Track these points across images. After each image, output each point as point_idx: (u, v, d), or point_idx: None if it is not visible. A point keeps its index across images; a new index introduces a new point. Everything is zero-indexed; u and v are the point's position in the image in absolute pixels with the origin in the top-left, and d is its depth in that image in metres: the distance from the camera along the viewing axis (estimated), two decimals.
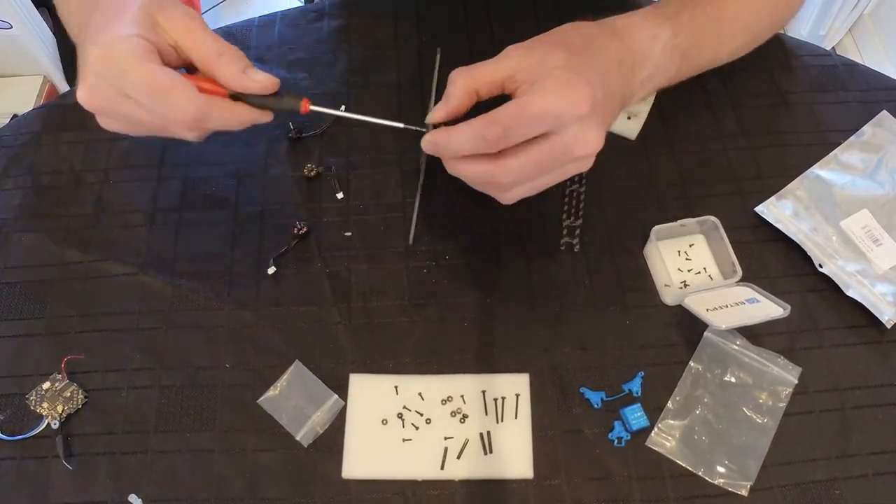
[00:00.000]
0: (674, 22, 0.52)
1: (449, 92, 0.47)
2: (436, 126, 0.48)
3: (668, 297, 0.58)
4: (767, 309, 0.52)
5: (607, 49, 0.48)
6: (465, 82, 0.46)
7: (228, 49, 0.46)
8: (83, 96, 0.45)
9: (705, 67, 0.59)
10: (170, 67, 0.44)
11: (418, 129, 0.49)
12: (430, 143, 0.47)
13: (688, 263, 0.60)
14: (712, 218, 0.58)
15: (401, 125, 0.50)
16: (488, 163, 0.45)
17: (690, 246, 0.60)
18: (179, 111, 0.44)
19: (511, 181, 0.46)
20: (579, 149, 0.45)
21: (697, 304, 0.54)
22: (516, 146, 0.44)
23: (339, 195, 0.64)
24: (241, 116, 0.47)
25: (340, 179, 0.65)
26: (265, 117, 0.49)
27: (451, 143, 0.45)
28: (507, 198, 0.48)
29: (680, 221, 0.59)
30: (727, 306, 0.53)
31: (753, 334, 0.56)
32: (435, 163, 0.65)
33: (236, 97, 0.47)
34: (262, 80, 0.46)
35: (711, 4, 0.55)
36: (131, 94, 0.44)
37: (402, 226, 0.62)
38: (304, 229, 0.61)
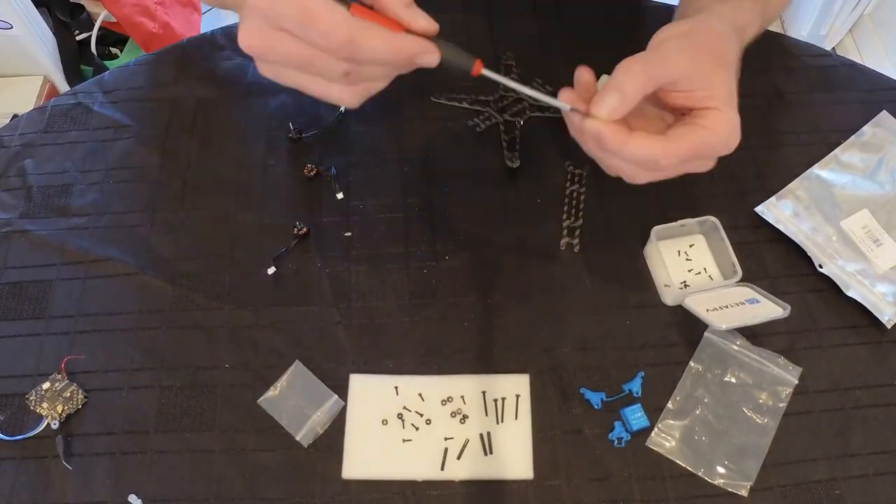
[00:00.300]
0: (742, 34, 0.51)
1: (621, 84, 0.43)
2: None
3: (668, 298, 0.58)
4: (767, 309, 0.52)
5: (730, 55, 0.48)
6: (646, 79, 0.43)
7: None
8: (242, 39, 0.41)
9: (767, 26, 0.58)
10: None
11: (575, 109, 0.45)
12: (597, 134, 0.44)
13: (688, 264, 0.60)
14: (712, 218, 0.58)
15: (567, 106, 0.45)
16: (648, 174, 0.46)
17: (691, 246, 0.60)
18: (330, 36, 0.39)
19: (650, 179, 0.47)
20: (717, 157, 0.47)
21: (697, 305, 0.54)
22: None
23: (340, 195, 0.64)
24: (398, 44, 0.41)
25: (340, 179, 0.65)
26: (429, 55, 0.42)
27: (625, 152, 0.44)
28: (635, 182, 0.48)
29: (680, 222, 0.59)
30: (727, 307, 0.53)
31: (753, 334, 0.56)
32: (439, 162, 0.65)
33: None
34: (423, 23, 0.41)
35: None
36: (283, 24, 0.40)
37: (402, 226, 0.62)
38: (304, 230, 0.61)
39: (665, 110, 0.47)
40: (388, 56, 0.41)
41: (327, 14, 0.39)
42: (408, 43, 0.41)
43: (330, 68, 0.41)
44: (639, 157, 0.44)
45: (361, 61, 0.41)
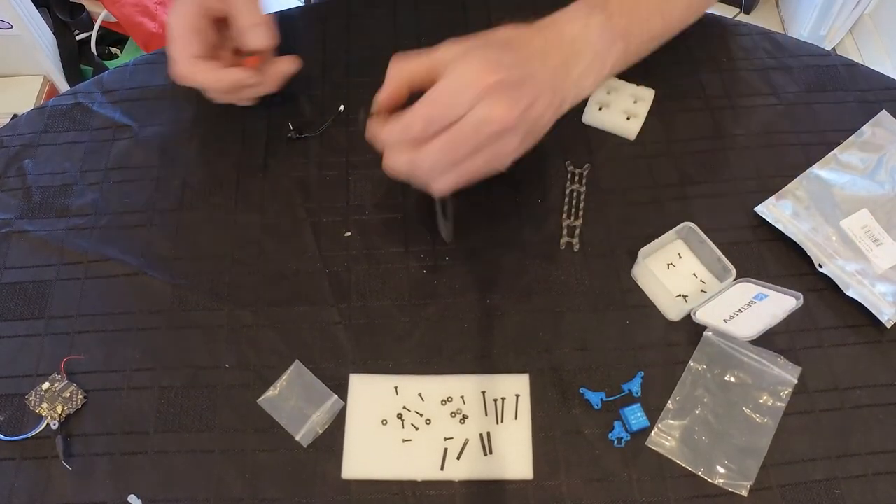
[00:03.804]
0: (603, 7, 0.53)
1: (385, 80, 0.50)
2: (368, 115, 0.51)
3: (673, 313, 0.57)
4: (782, 303, 0.51)
5: (529, 43, 0.49)
6: (397, 71, 0.50)
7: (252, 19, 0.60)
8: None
9: (661, 39, 0.60)
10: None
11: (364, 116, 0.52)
12: (369, 135, 0.50)
13: (680, 274, 0.59)
14: (688, 224, 0.58)
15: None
16: (409, 151, 0.47)
17: (680, 257, 0.60)
18: (176, 73, 0.60)
19: (430, 166, 0.48)
20: (487, 124, 0.45)
21: (711, 318, 0.54)
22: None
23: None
24: (221, 77, 0.60)
25: (340, 179, 0.65)
26: (253, 83, 0.61)
27: (383, 136, 0.49)
28: (437, 188, 0.50)
29: (660, 238, 0.58)
30: (740, 311, 0.53)
31: None
32: None
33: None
34: (258, 42, 0.60)
35: None
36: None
37: (402, 226, 0.62)
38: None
39: None
40: (216, 86, 0.61)
41: (175, 54, 0.59)
42: (230, 75, 0.60)
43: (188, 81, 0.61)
44: (391, 132, 0.48)
45: (204, 88, 0.62)
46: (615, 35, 0.53)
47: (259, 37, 0.59)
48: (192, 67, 0.59)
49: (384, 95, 0.50)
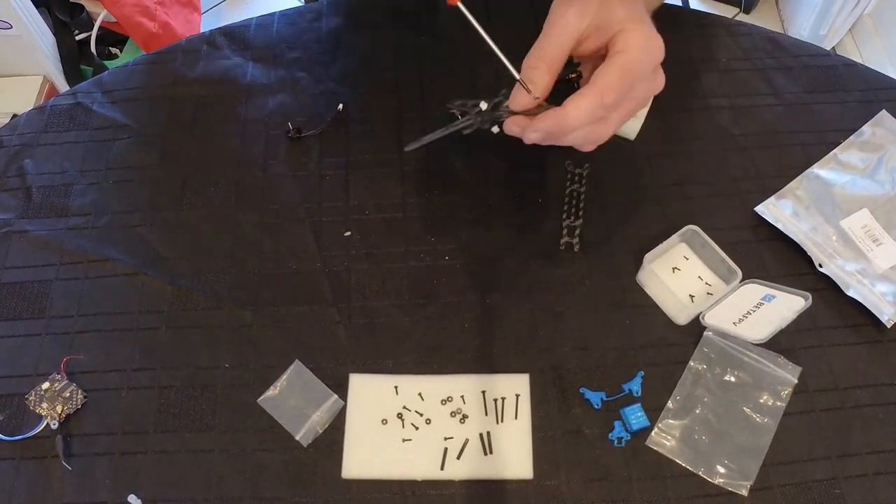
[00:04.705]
0: None
1: (531, 78, 0.46)
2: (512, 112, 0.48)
3: (681, 317, 0.57)
4: (790, 303, 0.51)
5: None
6: (547, 67, 0.46)
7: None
8: None
9: None
10: None
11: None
12: (541, 133, 0.47)
13: (686, 278, 0.59)
14: (692, 227, 0.58)
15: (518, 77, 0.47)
16: (552, 115, 0.46)
17: (687, 259, 0.60)
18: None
19: (606, 133, 0.48)
20: (656, 90, 0.48)
21: (720, 322, 0.54)
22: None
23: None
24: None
25: (340, 179, 0.65)
26: None
27: (569, 121, 0.46)
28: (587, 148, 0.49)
29: (664, 243, 0.58)
30: (749, 313, 0.53)
31: None
32: (433, 162, 0.65)
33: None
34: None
35: None
36: None
37: (402, 226, 0.62)
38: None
39: (597, 59, 0.48)
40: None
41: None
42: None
43: None
44: (582, 117, 0.45)
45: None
46: None
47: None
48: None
49: (542, 93, 0.46)
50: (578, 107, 0.45)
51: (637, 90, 0.47)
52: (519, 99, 0.47)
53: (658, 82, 0.48)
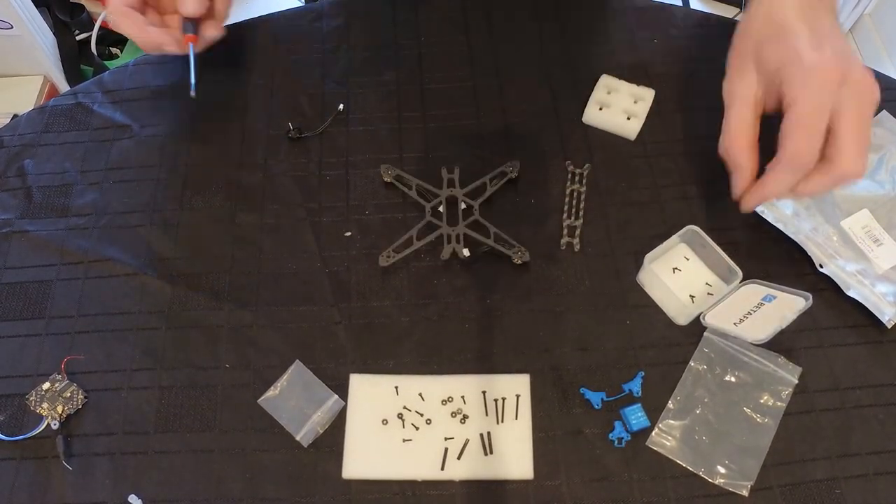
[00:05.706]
0: None
1: (740, 163, 0.51)
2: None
3: (682, 318, 0.57)
4: (791, 303, 0.51)
5: (818, 21, 0.49)
6: (750, 146, 0.50)
7: None
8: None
9: None
10: None
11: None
12: (752, 203, 0.52)
13: (687, 279, 0.59)
14: (692, 227, 0.58)
15: None
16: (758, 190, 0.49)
17: (687, 260, 0.60)
18: (111, 15, 0.60)
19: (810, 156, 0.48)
20: (866, 95, 0.47)
21: (721, 322, 0.54)
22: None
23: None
24: (146, 36, 0.59)
25: (340, 179, 0.65)
26: (170, 47, 0.60)
27: (768, 193, 0.50)
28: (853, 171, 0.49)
29: (664, 243, 0.58)
30: (749, 314, 0.53)
31: None
32: (438, 162, 0.65)
33: None
34: (190, 8, 0.60)
35: None
36: None
37: (402, 226, 0.62)
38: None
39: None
40: (140, 42, 0.60)
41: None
42: (154, 37, 0.59)
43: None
44: (781, 190, 0.48)
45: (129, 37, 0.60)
46: None
47: (190, 4, 0.59)
48: (122, 17, 0.59)
49: (753, 174, 0.50)
50: (777, 181, 0.47)
51: (842, 123, 0.45)
52: (741, 187, 0.52)
53: (858, 90, 0.46)
